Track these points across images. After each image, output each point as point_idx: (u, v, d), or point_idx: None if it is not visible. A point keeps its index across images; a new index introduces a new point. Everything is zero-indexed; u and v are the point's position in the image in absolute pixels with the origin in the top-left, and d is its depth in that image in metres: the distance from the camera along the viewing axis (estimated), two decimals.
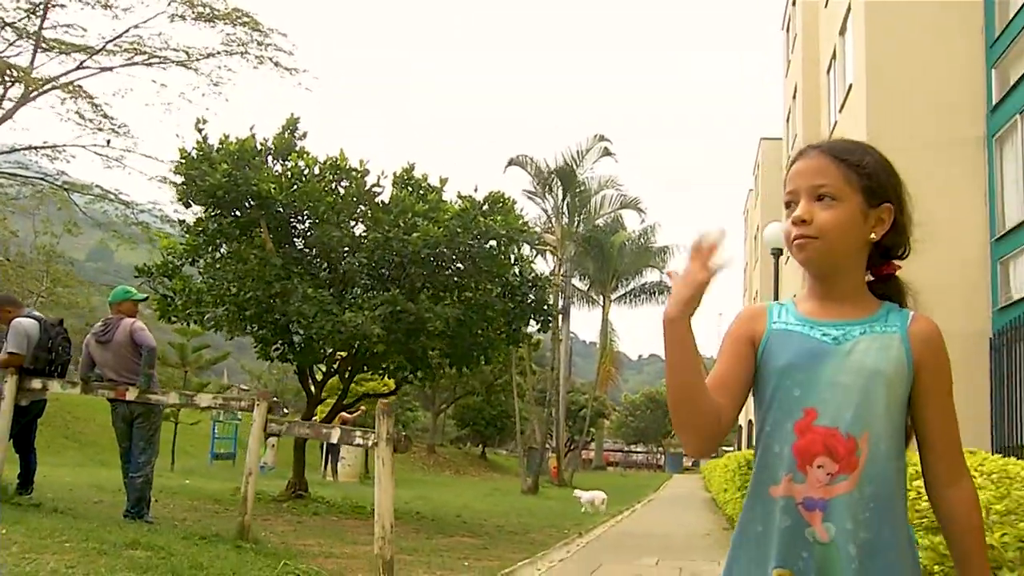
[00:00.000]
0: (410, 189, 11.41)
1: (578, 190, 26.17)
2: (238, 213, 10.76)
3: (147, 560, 5.44)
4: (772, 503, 1.60)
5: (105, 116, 22.58)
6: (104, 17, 23.08)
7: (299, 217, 10.63)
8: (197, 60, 23.38)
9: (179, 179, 11.06)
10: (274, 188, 10.04)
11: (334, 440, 6.72)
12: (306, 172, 10.45)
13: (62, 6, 22.36)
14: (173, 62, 23.59)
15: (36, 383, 7.83)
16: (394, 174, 11.69)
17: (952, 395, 1.65)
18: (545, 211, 27.68)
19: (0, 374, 7.81)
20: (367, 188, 10.68)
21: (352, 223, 10.89)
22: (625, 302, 32.90)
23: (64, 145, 22.57)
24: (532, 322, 11.87)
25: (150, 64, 23.54)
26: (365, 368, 12.39)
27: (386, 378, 14.11)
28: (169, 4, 22.34)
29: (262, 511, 9.87)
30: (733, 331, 1.73)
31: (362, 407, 17.27)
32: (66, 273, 22.87)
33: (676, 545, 10.45)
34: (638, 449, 73.78)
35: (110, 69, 23.25)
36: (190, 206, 11.28)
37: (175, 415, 17.00)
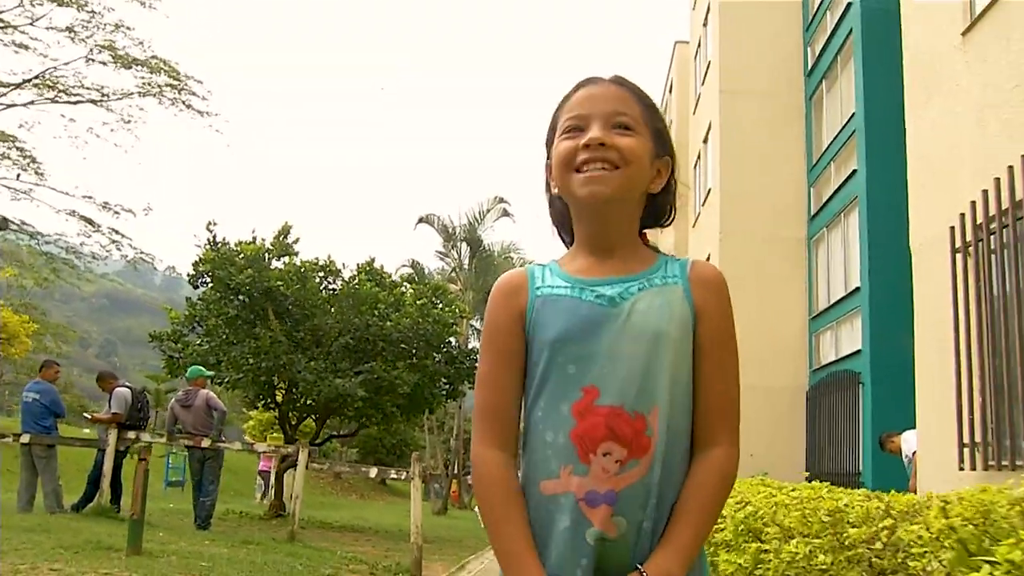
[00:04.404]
0: (367, 277, 15.09)
1: (484, 254, 30.15)
2: (246, 299, 14.16)
3: (265, 550, 8.93)
4: (545, 501, 1.40)
5: (19, 150, 22.71)
6: (16, 55, 22.76)
7: (297, 306, 14.08)
8: (111, 99, 23.71)
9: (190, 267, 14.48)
10: (281, 285, 13.52)
11: (372, 476, 10.32)
12: (303, 271, 13.94)
13: None
14: (86, 100, 23.79)
15: (131, 435, 11.11)
16: (358, 265, 15.38)
17: (734, 352, 1.49)
18: (451, 266, 31.52)
19: (104, 428, 11.08)
20: (351, 286, 14.29)
21: (332, 309, 14.47)
22: None
23: None
24: (467, 382, 15.67)
25: (64, 102, 23.57)
26: (332, 416, 15.91)
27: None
28: (91, 50, 22.74)
29: (260, 525, 13.22)
30: (492, 319, 1.53)
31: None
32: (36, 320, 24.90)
33: None
34: None
35: (23, 105, 23.08)
36: (198, 288, 14.67)
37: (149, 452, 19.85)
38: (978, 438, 6.47)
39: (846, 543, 3.15)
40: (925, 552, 2.41)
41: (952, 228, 6.86)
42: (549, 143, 1.56)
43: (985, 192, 6.28)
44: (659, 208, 1.57)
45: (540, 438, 1.42)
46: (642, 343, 1.40)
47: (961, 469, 6.63)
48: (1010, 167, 5.90)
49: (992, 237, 6.30)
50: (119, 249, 23.54)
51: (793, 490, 4.79)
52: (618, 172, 1.44)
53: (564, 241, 1.64)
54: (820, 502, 3.85)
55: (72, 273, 24.03)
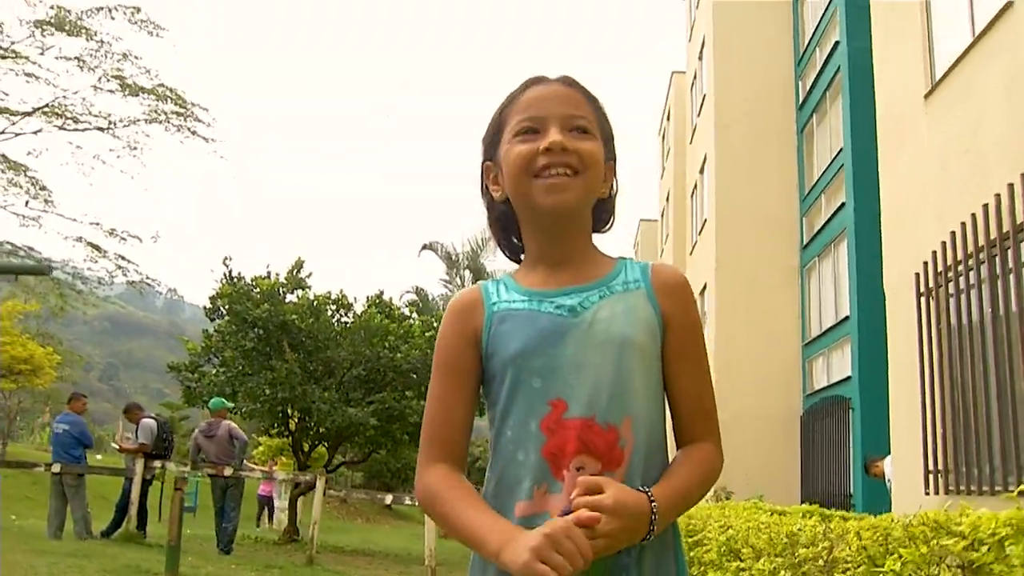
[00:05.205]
0: (377, 310, 15.77)
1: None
2: (262, 332, 14.84)
3: (288, 573, 9.57)
4: (520, 524, 1.30)
5: (30, 180, 22.48)
6: (27, 84, 22.79)
7: (311, 338, 14.75)
8: (118, 126, 23.48)
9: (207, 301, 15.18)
10: (296, 318, 14.20)
11: (388, 502, 10.96)
12: (316, 304, 14.63)
13: None
14: (93, 127, 23.53)
15: (157, 463, 11.77)
16: (368, 298, 16.08)
17: (705, 356, 1.47)
18: (454, 293, 32.20)
19: (132, 457, 11.74)
20: (362, 319, 14.98)
21: (345, 341, 15.14)
22: None
23: None
24: None
25: (72, 129, 23.34)
26: (344, 443, 16.56)
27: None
28: (99, 79, 22.61)
29: (276, 550, 13.82)
30: (445, 338, 1.48)
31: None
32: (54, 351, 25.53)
33: None
34: None
35: (32, 133, 22.80)
36: (214, 320, 15.35)
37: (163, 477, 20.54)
38: (941, 465, 7.12)
39: (799, 561, 3.82)
40: (849, 567, 3.08)
41: (917, 274, 7.54)
42: (492, 144, 1.50)
43: (944, 243, 6.96)
44: (603, 213, 1.52)
45: (511, 458, 1.36)
46: (608, 351, 1.35)
47: (927, 494, 7.27)
48: (963, 223, 6.59)
49: (951, 284, 6.97)
50: (125, 275, 23.55)
51: (776, 514, 5.44)
52: (579, 178, 1.39)
53: (504, 249, 1.58)
54: (782, 527, 4.50)
55: (78, 298, 24.21)
